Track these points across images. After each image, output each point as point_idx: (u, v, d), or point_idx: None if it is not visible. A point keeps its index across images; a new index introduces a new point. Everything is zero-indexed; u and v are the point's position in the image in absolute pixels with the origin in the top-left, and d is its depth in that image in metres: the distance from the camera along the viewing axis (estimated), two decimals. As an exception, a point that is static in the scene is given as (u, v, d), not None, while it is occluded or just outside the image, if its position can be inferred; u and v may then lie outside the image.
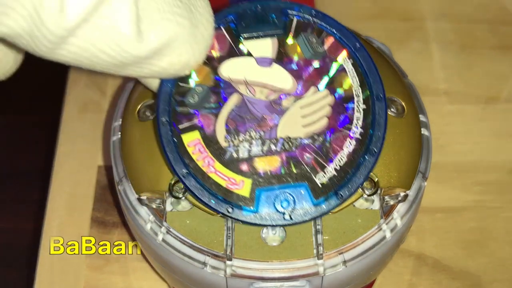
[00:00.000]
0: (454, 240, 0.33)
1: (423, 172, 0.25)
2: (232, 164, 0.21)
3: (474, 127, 0.37)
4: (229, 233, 0.22)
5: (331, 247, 0.22)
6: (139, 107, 0.25)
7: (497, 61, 0.40)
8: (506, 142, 0.37)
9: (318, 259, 0.22)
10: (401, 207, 0.24)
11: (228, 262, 0.22)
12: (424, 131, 0.25)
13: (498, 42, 0.41)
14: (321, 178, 0.21)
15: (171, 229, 0.23)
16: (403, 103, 0.25)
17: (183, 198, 0.22)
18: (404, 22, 0.42)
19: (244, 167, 0.21)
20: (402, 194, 0.23)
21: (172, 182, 0.23)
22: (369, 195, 0.23)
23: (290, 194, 0.21)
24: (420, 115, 0.26)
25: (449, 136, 0.37)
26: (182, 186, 0.22)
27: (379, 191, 0.23)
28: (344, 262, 0.22)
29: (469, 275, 0.32)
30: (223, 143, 0.22)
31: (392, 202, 0.23)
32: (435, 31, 0.42)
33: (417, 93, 0.27)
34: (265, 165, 0.21)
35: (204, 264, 0.23)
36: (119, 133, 0.26)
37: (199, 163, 0.21)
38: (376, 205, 0.23)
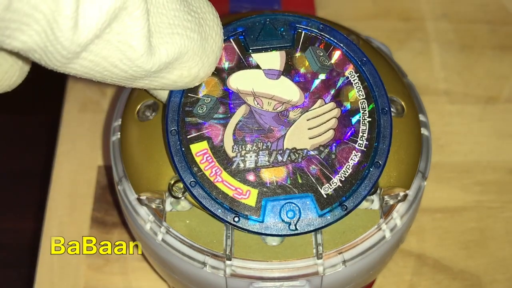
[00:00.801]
0: (454, 240, 0.33)
1: (423, 172, 0.25)
2: (239, 174, 0.22)
3: (474, 127, 0.37)
4: (229, 233, 0.22)
5: (331, 246, 0.22)
6: (138, 107, 0.25)
7: (497, 61, 0.40)
8: (506, 142, 0.37)
9: (318, 258, 0.22)
10: (400, 207, 0.24)
11: (228, 262, 0.22)
12: (424, 131, 0.25)
13: (498, 42, 0.41)
14: (326, 189, 0.22)
15: (170, 229, 0.23)
16: (402, 103, 0.25)
17: (183, 198, 0.23)
18: (404, 22, 0.42)
19: (251, 177, 0.22)
20: (401, 194, 0.23)
21: (172, 182, 0.23)
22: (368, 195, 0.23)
23: (295, 205, 0.21)
24: (420, 115, 0.26)
25: (449, 136, 0.37)
26: (182, 186, 0.22)
27: (378, 191, 0.23)
28: (344, 262, 0.22)
29: (469, 275, 0.32)
30: (231, 153, 0.22)
31: (391, 202, 0.23)
32: (435, 31, 0.42)
33: (417, 93, 0.27)
34: (271, 175, 0.22)
35: (204, 264, 0.23)
36: (119, 133, 0.26)
37: (207, 173, 0.22)
38: (376, 205, 0.23)
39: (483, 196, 0.35)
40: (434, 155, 0.26)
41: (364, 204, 0.23)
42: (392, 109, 0.24)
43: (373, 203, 0.23)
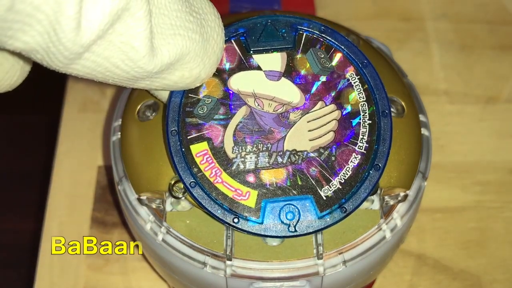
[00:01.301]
0: (454, 240, 0.33)
1: (423, 172, 0.25)
2: (239, 175, 0.22)
3: (474, 127, 0.37)
4: (229, 233, 0.22)
5: (331, 247, 0.22)
6: (139, 107, 0.25)
7: (497, 61, 0.40)
8: (506, 142, 0.37)
9: (318, 259, 0.22)
10: (401, 207, 0.24)
11: (228, 262, 0.22)
12: (424, 131, 0.25)
13: (498, 42, 0.41)
14: (326, 191, 0.22)
15: (171, 229, 0.23)
16: (403, 103, 0.25)
17: (183, 198, 0.23)
18: (404, 22, 0.42)
19: (251, 178, 0.22)
20: (402, 194, 0.23)
21: (172, 182, 0.23)
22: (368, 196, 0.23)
23: (295, 206, 0.21)
24: (420, 115, 0.26)
25: (449, 136, 0.37)
26: (182, 186, 0.22)
27: (379, 191, 0.23)
28: (344, 262, 0.22)
29: (469, 275, 0.32)
30: (231, 154, 0.22)
31: (392, 202, 0.23)
32: (435, 31, 0.42)
33: (417, 93, 0.27)
34: (271, 177, 0.22)
35: (204, 264, 0.23)
36: (119, 133, 0.26)
37: (207, 174, 0.22)
38: (376, 205, 0.23)
39: (483, 196, 0.35)
40: (434, 155, 0.26)
41: (365, 204, 0.23)
42: (392, 109, 0.24)
43: (374, 203, 0.23)
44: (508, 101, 0.39)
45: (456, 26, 0.42)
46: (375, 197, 0.23)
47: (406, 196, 0.23)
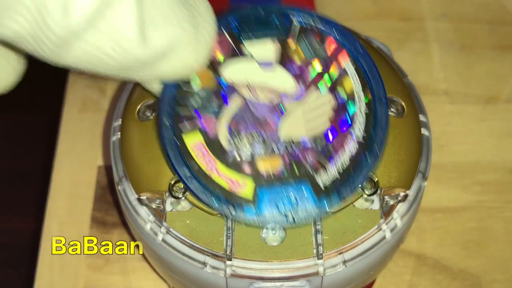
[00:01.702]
0: (454, 240, 0.33)
1: (423, 172, 0.25)
2: (234, 166, 0.22)
3: (474, 127, 0.37)
4: (229, 233, 0.22)
5: (331, 247, 0.22)
6: (139, 107, 0.25)
7: (497, 61, 0.40)
8: (506, 142, 0.37)
9: (318, 259, 0.22)
10: (401, 207, 0.24)
11: (228, 262, 0.22)
12: (424, 131, 0.25)
13: (498, 42, 0.41)
14: (323, 179, 0.21)
15: (171, 229, 0.23)
16: (403, 103, 0.25)
17: (183, 198, 0.23)
18: (404, 22, 0.42)
19: (247, 169, 0.22)
20: (402, 194, 0.23)
21: (172, 182, 0.23)
22: (369, 195, 0.23)
23: (292, 196, 0.21)
24: (420, 115, 0.26)
25: (449, 136, 0.37)
26: (182, 186, 0.22)
27: (379, 191, 0.23)
28: (344, 262, 0.22)
29: (469, 275, 0.32)
30: (226, 146, 0.22)
31: (392, 202, 0.23)
32: (435, 31, 0.42)
33: (417, 93, 0.27)
34: (267, 166, 0.22)
35: (204, 264, 0.23)
36: (119, 133, 0.26)
37: (202, 166, 0.21)
38: (376, 205, 0.23)
39: (483, 196, 0.35)
40: (434, 155, 0.26)
41: (365, 204, 0.23)
42: (392, 109, 0.24)
43: (374, 203, 0.23)
44: (508, 101, 0.39)
45: (456, 26, 0.42)
46: (375, 197, 0.23)
47: (406, 196, 0.23)
